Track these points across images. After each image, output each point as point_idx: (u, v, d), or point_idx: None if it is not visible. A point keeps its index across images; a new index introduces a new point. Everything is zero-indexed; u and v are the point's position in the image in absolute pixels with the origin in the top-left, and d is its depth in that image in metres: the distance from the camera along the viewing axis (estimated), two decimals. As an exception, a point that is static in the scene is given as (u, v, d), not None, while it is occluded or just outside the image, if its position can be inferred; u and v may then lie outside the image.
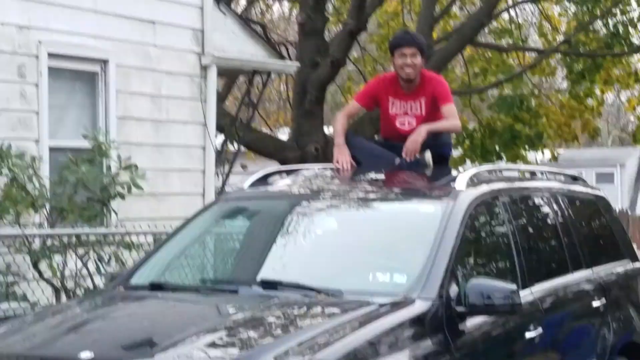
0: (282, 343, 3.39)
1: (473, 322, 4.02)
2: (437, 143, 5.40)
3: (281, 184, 5.28)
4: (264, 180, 5.20)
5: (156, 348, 3.41)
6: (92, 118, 8.00)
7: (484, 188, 4.69)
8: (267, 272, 4.39)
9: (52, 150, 7.48)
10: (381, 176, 5.20)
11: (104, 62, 7.86)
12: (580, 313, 5.25)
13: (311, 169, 5.77)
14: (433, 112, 5.37)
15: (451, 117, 5.42)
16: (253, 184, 5.18)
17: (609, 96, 17.96)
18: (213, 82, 9.00)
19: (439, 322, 3.86)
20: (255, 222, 5.20)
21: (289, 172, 5.57)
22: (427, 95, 5.37)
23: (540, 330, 4.50)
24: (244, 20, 11.52)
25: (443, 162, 5.55)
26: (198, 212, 5.25)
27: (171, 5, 8.59)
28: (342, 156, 5.27)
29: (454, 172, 5.42)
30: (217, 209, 5.28)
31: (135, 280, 4.59)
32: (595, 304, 5.20)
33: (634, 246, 6.32)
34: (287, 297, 3.99)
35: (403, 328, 3.70)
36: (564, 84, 15.34)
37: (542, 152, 15.69)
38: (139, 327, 4.05)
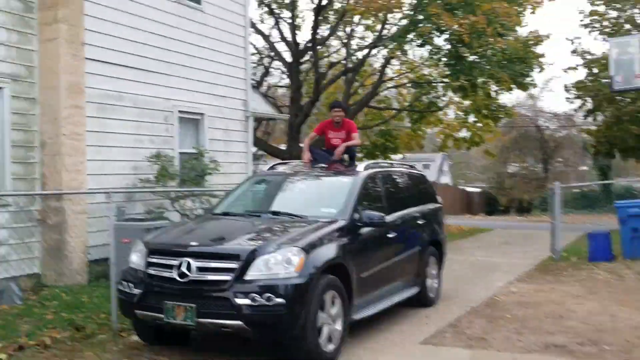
0: (280, 238, 5.97)
1: (365, 230, 6.80)
2: (350, 151, 8.60)
3: (280, 168, 8.46)
4: (273, 167, 8.67)
5: (225, 240, 6.18)
6: (197, 139, 12.30)
7: (370, 170, 7.66)
8: (273, 207, 7.17)
9: (181, 153, 11.69)
10: (325, 166, 8.14)
11: (203, 115, 12.41)
12: (413, 226, 8.26)
13: (293, 162, 9.00)
14: (348, 137, 8.56)
15: (357, 139, 8.78)
16: (268, 169, 8.73)
17: (429, 130, 27.19)
18: (251, 123, 14.12)
19: (350, 230, 6.54)
20: (268, 185, 8.03)
21: (283, 163, 8.83)
22: (345, 129, 8.60)
23: (395, 233, 7.54)
24: (264, 95, 19.66)
25: (353, 160, 8.66)
26: (243, 181, 8.46)
27: (234, 90, 13.38)
28: (306, 156, 8.42)
29: (357, 164, 8.11)
30: (251, 179, 8.46)
31: (216, 211, 7.48)
32: (420, 222, 8.46)
33: (437, 197, 9.65)
34: (283, 219, 6.69)
35: (333, 232, 6.32)
36: (408, 123, 24.73)
37: (399, 155, 25.72)
38: (218, 231, 6.66)
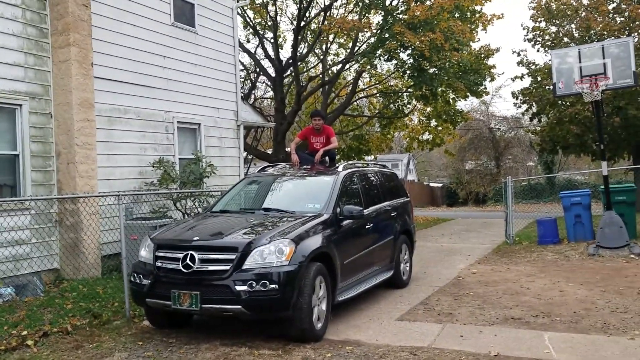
0: (272, 231, 5.95)
1: (346, 222, 6.81)
2: (330, 153, 8.72)
3: (269, 170, 8.34)
4: (263, 169, 8.55)
5: (223, 234, 6.08)
6: (195, 146, 12.27)
7: (348, 170, 7.68)
8: (265, 204, 7.18)
9: (181, 159, 11.66)
10: (309, 167, 8.18)
11: (199, 125, 12.33)
12: (386, 218, 8.23)
13: (281, 165, 8.79)
14: (327, 141, 8.72)
15: (335, 143, 8.81)
16: (259, 171, 8.69)
17: (397, 134, 27.97)
18: (241, 131, 13.92)
19: (333, 222, 6.58)
20: (260, 185, 7.95)
21: (272, 166, 8.67)
22: (325, 134, 8.76)
23: (371, 224, 7.56)
24: (252, 105, 19.46)
25: (333, 161, 8.78)
26: (236, 183, 8.29)
27: (226, 102, 13.30)
28: (294, 158, 8.44)
29: (337, 165, 8.03)
30: (244, 181, 8.27)
31: (214, 209, 7.41)
32: (393, 214, 8.44)
33: (406, 192, 9.64)
34: (273, 214, 6.67)
35: (318, 225, 6.32)
36: (378, 128, 24.94)
37: (371, 156, 25.90)
38: (217, 227, 6.61)
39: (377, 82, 24.49)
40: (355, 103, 25.05)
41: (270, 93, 25.26)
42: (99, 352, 5.73)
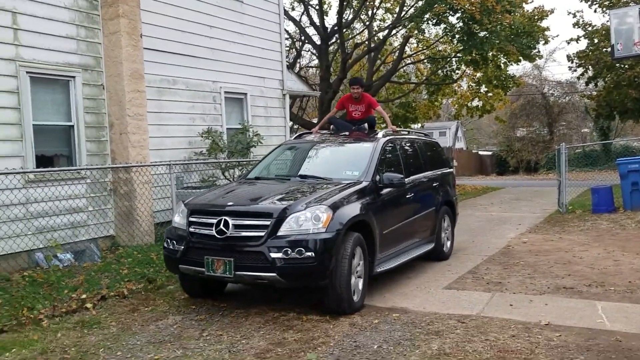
0: (308, 198, 5.74)
1: (386, 190, 6.53)
2: (369, 120, 8.36)
3: (306, 137, 8.00)
4: (299, 136, 8.24)
5: (258, 200, 5.95)
6: (241, 115, 12.47)
7: (389, 137, 7.36)
8: (301, 171, 6.97)
9: (228, 129, 11.81)
10: (347, 134, 7.88)
11: (245, 94, 12.49)
12: (428, 188, 7.94)
13: (320, 132, 8.27)
14: (368, 109, 8.42)
15: (383, 112, 8.91)
16: (295, 137, 8.41)
17: (445, 101, 27.39)
18: (287, 100, 14.07)
19: (372, 190, 6.32)
20: (296, 152, 7.68)
21: (309, 133, 8.33)
22: (365, 103, 8.41)
23: (412, 194, 7.27)
24: (297, 74, 18.85)
25: (372, 128, 8.30)
26: (272, 150, 7.96)
27: (272, 71, 13.36)
28: (315, 129, 8.40)
29: (377, 131, 7.81)
30: (280, 148, 7.97)
31: (249, 176, 7.29)
32: (434, 184, 8.12)
33: (449, 162, 9.55)
34: (310, 181, 6.45)
35: (357, 192, 6.08)
36: (426, 95, 24.65)
37: (418, 124, 25.99)
38: (251, 193, 6.46)
39: (424, 48, 23.96)
40: (401, 70, 24.67)
41: (316, 61, 25.17)
42: (154, 315, 5.94)
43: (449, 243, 8.55)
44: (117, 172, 9.32)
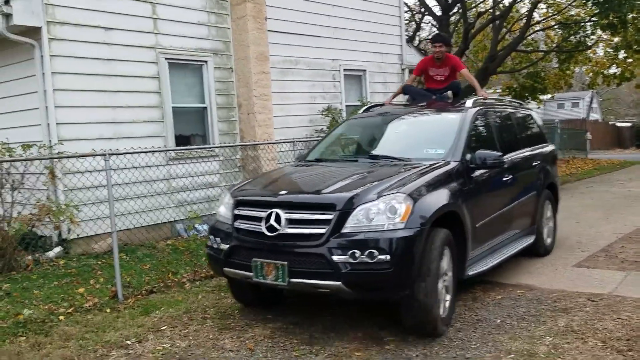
0: (381, 184, 4.52)
1: (478, 172, 5.29)
2: (453, 87, 7.18)
3: (378, 110, 6.78)
4: (369, 109, 6.89)
5: (317, 188, 4.74)
6: (360, 92, 12.52)
7: (478, 107, 5.99)
8: (372, 151, 5.88)
9: (347, 106, 11.98)
10: (425, 104, 6.83)
11: (364, 71, 12.61)
12: (528, 168, 6.63)
13: (394, 104, 7.17)
14: (452, 73, 7.24)
15: (471, 76, 7.43)
16: (363, 110, 6.96)
17: (577, 69, 25.90)
18: (406, 75, 13.54)
19: (462, 173, 5.07)
20: (365, 128, 6.55)
21: (381, 105, 7.11)
22: (449, 65, 7.23)
23: (510, 176, 5.93)
24: (416, 47, 18.78)
25: (457, 97, 7.15)
26: (336, 127, 7.20)
27: (390, 46, 13.36)
28: (387, 100, 7.33)
29: (465, 100, 6.27)
30: (345, 123, 6.99)
31: (308, 158, 6.14)
32: (534, 164, 6.80)
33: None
34: (382, 163, 5.28)
35: (442, 176, 4.84)
36: (556, 64, 23.04)
37: (547, 95, 25.60)
38: (310, 179, 5.34)
39: (555, 13, 22.40)
40: (529, 37, 23.27)
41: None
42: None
43: (551, 234, 7.28)
44: (246, 150, 9.94)
